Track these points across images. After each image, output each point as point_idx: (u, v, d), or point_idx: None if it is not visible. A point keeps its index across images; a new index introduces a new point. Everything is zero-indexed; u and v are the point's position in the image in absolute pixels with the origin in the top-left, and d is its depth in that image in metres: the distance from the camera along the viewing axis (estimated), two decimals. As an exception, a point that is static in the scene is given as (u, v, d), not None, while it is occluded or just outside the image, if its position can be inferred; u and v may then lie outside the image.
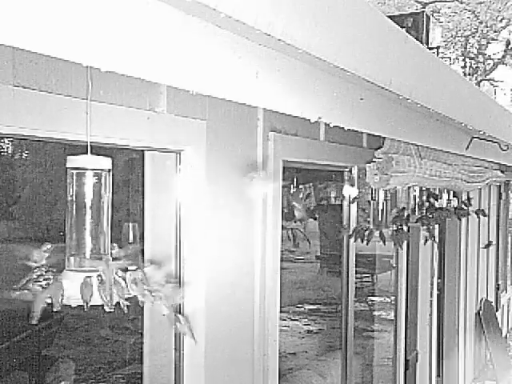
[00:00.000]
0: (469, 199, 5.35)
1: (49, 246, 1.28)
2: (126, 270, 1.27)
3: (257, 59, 1.32)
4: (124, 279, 1.24)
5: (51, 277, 1.21)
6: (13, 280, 1.23)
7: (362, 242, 3.33)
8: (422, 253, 4.86)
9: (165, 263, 1.89)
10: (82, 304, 1.20)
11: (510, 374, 7.42)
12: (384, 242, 3.47)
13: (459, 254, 6.26)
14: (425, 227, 4.24)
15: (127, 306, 1.23)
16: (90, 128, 1.34)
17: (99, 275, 1.21)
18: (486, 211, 6.52)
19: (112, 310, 1.20)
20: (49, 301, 1.19)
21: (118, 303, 1.22)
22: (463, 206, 5.13)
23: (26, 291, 1.20)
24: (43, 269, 1.23)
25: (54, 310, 1.17)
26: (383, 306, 6.25)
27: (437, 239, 5.13)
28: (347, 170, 3.36)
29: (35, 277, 1.21)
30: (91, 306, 1.20)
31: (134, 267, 1.28)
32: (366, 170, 3.26)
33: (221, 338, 2.19)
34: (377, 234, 3.38)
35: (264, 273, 2.41)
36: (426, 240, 4.56)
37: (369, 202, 3.52)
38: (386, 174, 3.17)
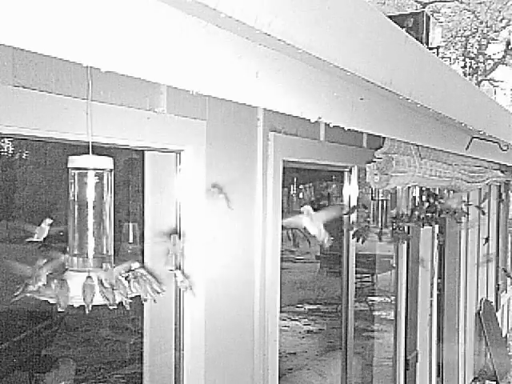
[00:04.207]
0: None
1: (49, 221, 1.29)
2: (129, 269, 1.27)
3: (257, 59, 1.32)
4: (126, 278, 1.24)
5: (56, 278, 1.21)
6: (14, 280, 1.23)
7: (358, 240, 3.34)
8: (422, 253, 4.86)
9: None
10: (83, 304, 1.20)
11: (510, 374, 7.42)
12: (380, 239, 3.48)
13: (459, 253, 6.25)
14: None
15: (129, 304, 1.23)
16: (91, 128, 1.34)
17: (100, 277, 1.21)
18: (486, 211, 6.53)
19: (115, 307, 1.20)
20: (52, 301, 1.19)
21: (121, 302, 1.23)
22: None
23: (28, 293, 1.19)
24: (45, 271, 1.23)
25: (60, 310, 1.17)
26: (383, 306, 6.24)
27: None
28: (347, 169, 3.36)
29: (37, 277, 1.21)
30: (93, 306, 1.20)
31: (136, 266, 1.29)
32: (366, 170, 3.25)
33: (221, 338, 2.19)
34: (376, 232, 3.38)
35: (264, 273, 2.41)
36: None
37: (369, 201, 3.52)
38: (386, 174, 3.17)
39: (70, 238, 1.25)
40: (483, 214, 6.17)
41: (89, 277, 1.20)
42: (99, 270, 1.22)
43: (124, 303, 1.22)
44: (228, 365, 2.26)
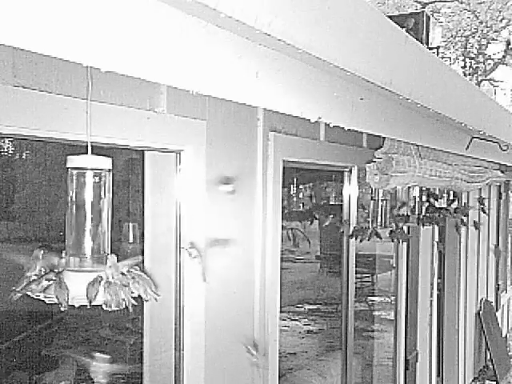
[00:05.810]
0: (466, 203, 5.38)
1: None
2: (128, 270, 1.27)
3: (257, 59, 1.32)
4: (127, 278, 1.24)
5: (53, 278, 1.20)
6: (13, 281, 1.23)
7: (359, 241, 3.34)
8: (422, 253, 4.86)
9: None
10: (84, 304, 1.19)
11: (510, 374, 7.42)
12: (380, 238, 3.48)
13: (459, 254, 6.25)
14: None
15: (130, 304, 1.22)
16: (90, 128, 1.34)
17: (102, 276, 1.21)
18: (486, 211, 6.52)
19: (118, 307, 1.20)
20: (54, 301, 1.19)
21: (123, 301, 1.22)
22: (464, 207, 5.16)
23: (27, 292, 1.19)
24: (43, 270, 1.22)
25: (62, 309, 1.17)
26: (383, 306, 6.24)
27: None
28: (347, 169, 3.36)
29: (36, 278, 1.21)
30: (92, 305, 1.20)
31: (136, 267, 1.28)
32: (365, 170, 3.25)
33: (221, 338, 2.19)
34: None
35: (264, 273, 2.41)
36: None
37: (369, 202, 3.52)
38: (386, 174, 3.17)
39: (68, 238, 1.25)
40: (484, 212, 6.17)
41: (96, 277, 1.19)
42: (97, 270, 1.22)
43: (127, 303, 1.21)
44: (228, 365, 2.26)
